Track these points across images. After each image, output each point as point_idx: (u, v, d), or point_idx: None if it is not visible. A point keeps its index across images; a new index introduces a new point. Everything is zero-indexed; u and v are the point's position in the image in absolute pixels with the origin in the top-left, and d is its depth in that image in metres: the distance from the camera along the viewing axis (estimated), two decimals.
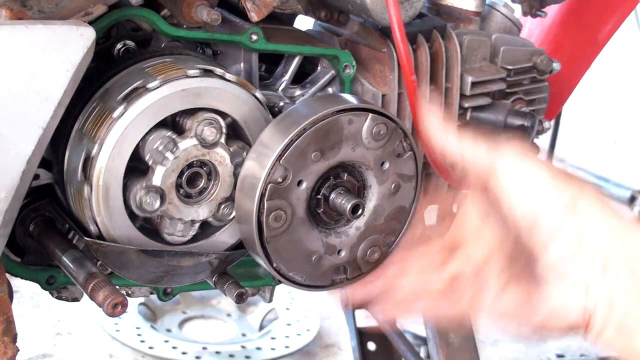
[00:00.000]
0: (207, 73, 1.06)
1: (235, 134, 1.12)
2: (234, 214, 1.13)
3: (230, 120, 1.10)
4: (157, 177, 1.05)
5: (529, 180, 0.90)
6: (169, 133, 1.05)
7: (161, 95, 1.03)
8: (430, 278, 1.00)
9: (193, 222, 1.11)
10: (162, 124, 1.05)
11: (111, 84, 1.06)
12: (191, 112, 1.07)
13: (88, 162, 1.02)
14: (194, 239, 1.13)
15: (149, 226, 1.11)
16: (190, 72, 1.05)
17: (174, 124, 1.07)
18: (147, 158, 1.04)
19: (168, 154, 1.05)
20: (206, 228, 1.14)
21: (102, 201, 1.03)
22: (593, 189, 0.88)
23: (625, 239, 0.85)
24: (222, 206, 1.12)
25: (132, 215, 1.06)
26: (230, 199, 1.12)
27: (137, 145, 1.03)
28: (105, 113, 1.02)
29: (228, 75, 1.08)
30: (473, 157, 0.95)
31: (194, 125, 1.06)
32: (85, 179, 1.03)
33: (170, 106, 1.04)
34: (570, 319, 0.87)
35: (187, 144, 1.06)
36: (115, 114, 1.01)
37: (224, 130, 1.08)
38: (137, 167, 1.06)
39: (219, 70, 1.07)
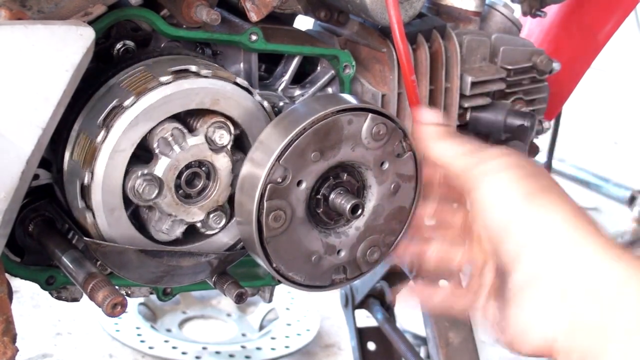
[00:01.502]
0: (180, 74, 1.05)
1: (239, 147, 1.12)
2: (221, 224, 1.13)
3: (238, 131, 1.10)
4: (160, 167, 1.05)
5: (501, 197, 0.87)
6: (181, 126, 1.06)
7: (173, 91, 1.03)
8: (453, 253, 0.99)
9: (181, 221, 1.10)
10: (175, 118, 1.05)
11: (88, 108, 1.06)
12: (203, 114, 1.07)
13: (85, 190, 1.03)
14: (182, 241, 1.13)
15: (138, 218, 1.11)
16: (163, 78, 1.03)
17: (184, 123, 1.08)
18: (154, 145, 1.04)
19: (175, 147, 1.05)
20: (193, 233, 1.14)
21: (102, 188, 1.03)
22: (566, 209, 0.84)
23: (589, 267, 0.80)
24: (212, 215, 1.12)
25: (126, 201, 1.06)
26: (221, 209, 1.12)
27: (147, 133, 1.04)
28: (89, 141, 1.02)
29: (239, 80, 1.09)
30: (459, 167, 0.94)
31: (205, 126, 1.07)
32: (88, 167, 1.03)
33: (187, 103, 1.04)
34: (532, 345, 0.84)
35: (196, 141, 1.07)
36: (127, 103, 1.01)
37: (232, 136, 1.09)
38: (140, 156, 1.06)
39: (239, 80, 1.08)
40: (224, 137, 1.08)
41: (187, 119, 1.08)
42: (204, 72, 1.04)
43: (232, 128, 1.09)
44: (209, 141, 1.08)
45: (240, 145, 1.13)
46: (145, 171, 1.05)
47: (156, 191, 1.05)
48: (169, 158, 1.06)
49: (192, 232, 1.14)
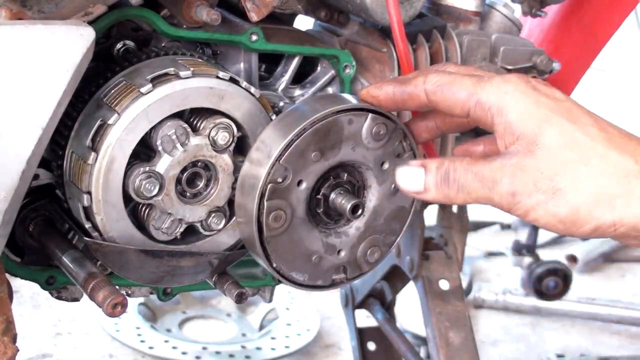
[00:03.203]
0: (234, 81, 1.08)
1: (240, 150, 1.13)
2: (221, 225, 1.13)
3: (240, 134, 1.11)
4: (162, 165, 1.06)
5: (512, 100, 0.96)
6: (185, 125, 1.06)
7: (190, 86, 1.04)
8: None
9: (181, 221, 1.10)
10: (179, 117, 1.06)
11: (141, 65, 1.08)
12: (207, 114, 1.08)
13: (101, 129, 1.02)
14: (182, 241, 1.13)
15: (137, 217, 1.11)
16: (221, 74, 1.06)
17: (188, 123, 1.08)
18: (157, 143, 1.05)
19: (178, 145, 1.06)
20: (192, 233, 1.14)
21: (104, 173, 1.02)
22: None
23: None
24: (213, 215, 1.12)
25: (126, 199, 1.06)
26: (221, 210, 1.13)
27: (150, 130, 1.04)
28: (132, 87, 1.03)
29: (253, 90, 1.10)
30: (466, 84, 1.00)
31: (209, 126, 1.07)
32: (92, 147, 1.03)
33: (195, 100, 1.05)
34: None
35: (199, 141, 1.07)
36: (143, 89, 1.02)
37: (235, 138, 1.09)
38: (141, 155, 1.06)
39: (245, 84, 1.09)
40: (226, 139, 1.08)
41: (190, 118, 1.08)
42: (183, 73, 1.04)
43: (235, 129, 1.09)
44: (212, 142, 1.08)
45: (242, 148, 1.13)
46: (147, 168, 1.05)
47: (157, 188, 1.05)
48: (171, 156, 1.06)
49: (192, 232, 1.14)
